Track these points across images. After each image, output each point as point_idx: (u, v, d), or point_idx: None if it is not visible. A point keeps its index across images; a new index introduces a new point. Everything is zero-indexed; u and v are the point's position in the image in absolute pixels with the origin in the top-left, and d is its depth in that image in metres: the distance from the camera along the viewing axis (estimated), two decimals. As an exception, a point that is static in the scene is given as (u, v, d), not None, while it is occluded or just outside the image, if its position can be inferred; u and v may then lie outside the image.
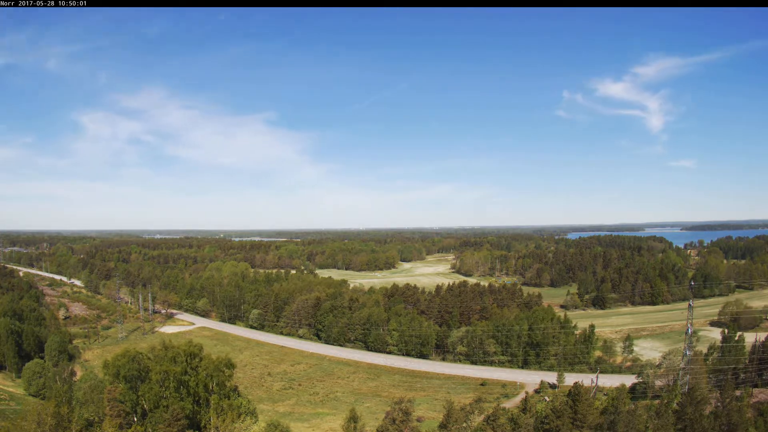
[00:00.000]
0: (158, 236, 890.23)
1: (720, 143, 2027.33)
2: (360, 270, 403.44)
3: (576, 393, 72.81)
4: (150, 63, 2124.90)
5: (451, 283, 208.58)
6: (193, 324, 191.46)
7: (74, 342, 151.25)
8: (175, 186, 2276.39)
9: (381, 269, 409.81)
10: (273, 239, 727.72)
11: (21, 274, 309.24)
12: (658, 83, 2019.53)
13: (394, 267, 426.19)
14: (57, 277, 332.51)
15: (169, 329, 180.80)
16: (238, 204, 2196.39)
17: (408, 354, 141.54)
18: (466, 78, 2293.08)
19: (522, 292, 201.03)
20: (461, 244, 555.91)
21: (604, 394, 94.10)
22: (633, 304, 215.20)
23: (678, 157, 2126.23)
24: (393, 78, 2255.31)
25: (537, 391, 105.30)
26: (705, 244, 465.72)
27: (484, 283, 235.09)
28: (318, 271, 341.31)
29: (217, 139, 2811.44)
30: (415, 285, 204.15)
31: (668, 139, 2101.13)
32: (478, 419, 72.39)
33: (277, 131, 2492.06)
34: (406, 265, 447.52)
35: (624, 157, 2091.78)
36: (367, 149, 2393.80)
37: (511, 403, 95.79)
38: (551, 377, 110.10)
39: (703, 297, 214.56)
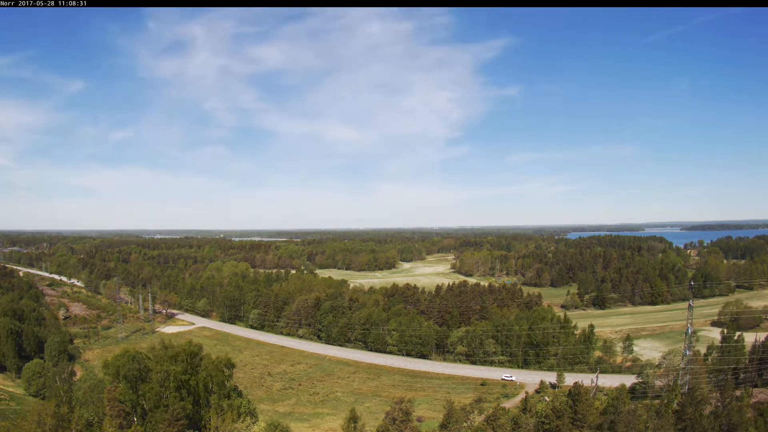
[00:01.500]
0: (158, 236, 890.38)
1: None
2: (360, 270, 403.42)
3: (576, 393, 72.90)
4: None
5: (451, 283, 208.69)
6: (193, 324, 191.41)
7: (74, 342, 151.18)
8: (251, 174, 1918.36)
9: (381, 269, 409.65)
10: (273, 239, 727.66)
11: (21, 274, 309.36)
12: None
13: (394, 267, 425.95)
14: (57, 277, 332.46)
15: (169, 329, 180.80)
16: (314, 201, 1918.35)
17: (408, 354, 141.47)
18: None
19: (522, 292, 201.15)
20: (461, 244, 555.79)
21: (604, 394, 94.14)
22: (633, 304, 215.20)
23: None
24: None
25: (537, 391, 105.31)
26: (705, 244, 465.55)
27: (484, 283, 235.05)
28: (318, 271, 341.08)
29: (371, 98, 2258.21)
30: (415, 285, 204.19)
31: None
32: (478, 419, 72.39)
33: (477, 80, 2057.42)
34: (406, 265, 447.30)
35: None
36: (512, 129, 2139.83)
37: (511, 403, 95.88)
38: (551, 377, 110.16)
39: (703, 297, 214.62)
